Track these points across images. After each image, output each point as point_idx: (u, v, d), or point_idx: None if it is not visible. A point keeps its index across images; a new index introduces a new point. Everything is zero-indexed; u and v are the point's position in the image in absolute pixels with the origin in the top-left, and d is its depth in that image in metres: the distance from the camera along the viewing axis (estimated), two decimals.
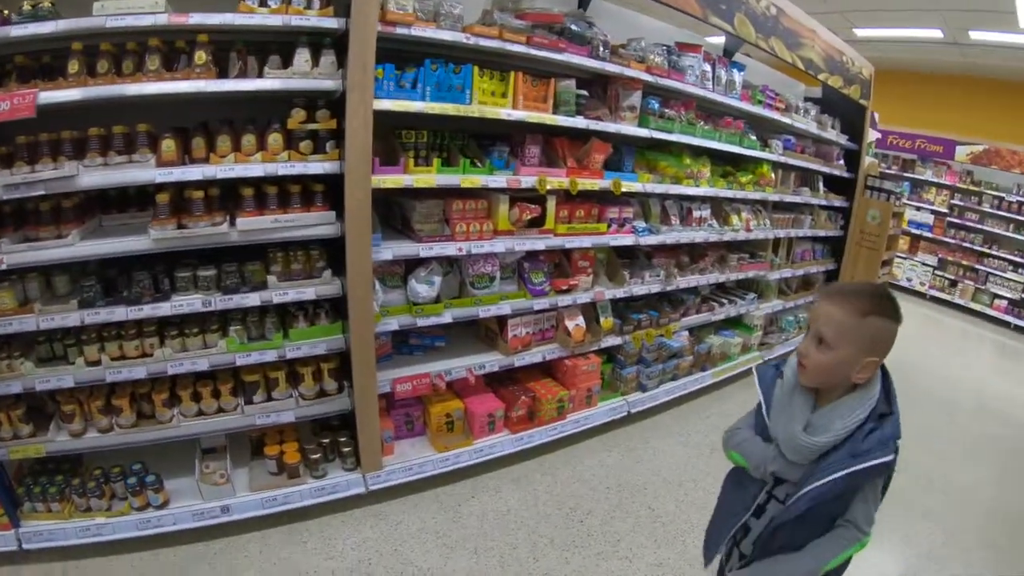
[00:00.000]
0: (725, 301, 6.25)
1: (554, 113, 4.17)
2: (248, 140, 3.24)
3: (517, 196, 4.22)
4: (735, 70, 5.51)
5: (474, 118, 3.82)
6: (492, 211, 4.16)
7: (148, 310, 3.16)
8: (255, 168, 3.22)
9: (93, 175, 3.00)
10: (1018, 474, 5.61)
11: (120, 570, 3.27)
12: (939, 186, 13.01)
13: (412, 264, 3.99)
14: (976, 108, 12.67)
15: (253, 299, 3.34)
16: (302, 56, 3.24)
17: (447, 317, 4.03)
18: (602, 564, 3.67)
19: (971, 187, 12.49)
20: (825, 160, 7.45)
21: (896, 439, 1.82)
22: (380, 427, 3.89)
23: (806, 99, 7.70)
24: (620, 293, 4.95)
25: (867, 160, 8.25)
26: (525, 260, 4.50)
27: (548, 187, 4.21)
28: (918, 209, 13.20)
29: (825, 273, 8.20)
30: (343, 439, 3.83)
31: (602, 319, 4.96)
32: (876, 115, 8.76)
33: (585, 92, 4.40)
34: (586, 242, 4.57)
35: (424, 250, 3.81)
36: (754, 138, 5.88)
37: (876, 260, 8.09)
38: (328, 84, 3.26)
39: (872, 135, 8.46)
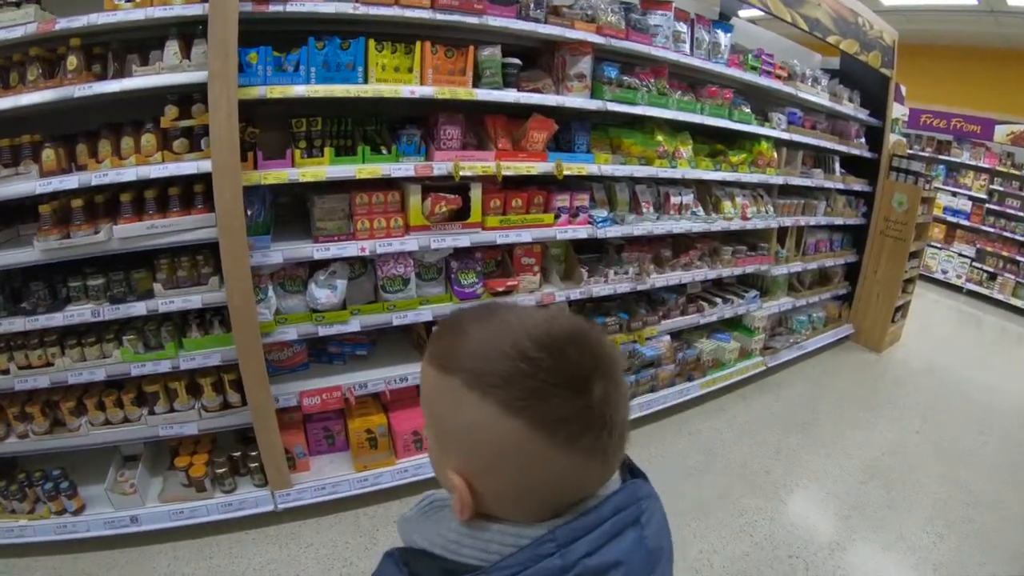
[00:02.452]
0: (719, 300, 5.43)
1: (475, 87, 3.55)
2: (127, 143, 3.09)
3: (437, 186, 3.61)
4: (720, 31, 4.67)
5: (387, 99, 3.39)
6: (405, 204, 3.59)
7: (43, 320, 3.15)
8: (128, 172, 3.03)
9: None
10: None
11: (42, 572, 3.33)
12: (977, 169, 11.86)
13: (315, 267, 3.55)
14: (1017, 84, 11.47)
15: (140, 308, 3.22)
16: (170, 49, 3.03)
17: (354, 325, 3.59)
18: None
19: (1012, 171, 11.31)
20: (842, 138, 6.57)
21: None
22: (287, 442, 3.64)
23: (824, 70, 6.82)
24: (576, 294, 4.22)
25: (892, 138, 7.31)
26: (454, 259, 3.88)
27: (468, 173, 3.59)
28: (954, 195, 12.07)
29: (845, 266, 7.38)
30: (253, 453, 3.60)
31: None
32: (903, 88, 7.79)
33: (517, 61, 3.72)
34: (525, 236, 3.89)
35: (319, 251, 3.40)
36: (748, 110, 5.03)
37: (903, 252, 7.18)
38: (198, 76, 2.95)
39: (898, 110, 7.52)
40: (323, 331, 3.54)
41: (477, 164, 3.62)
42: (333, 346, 3.97)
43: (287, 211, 3.86)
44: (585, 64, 3.91)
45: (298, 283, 3.57)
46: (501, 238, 3.81)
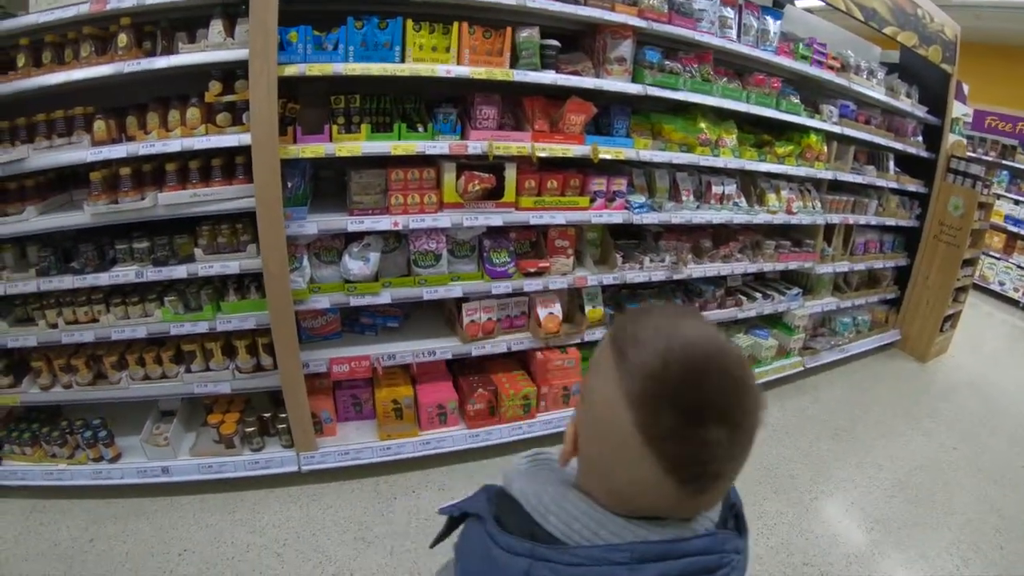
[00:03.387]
0: (759, 295, 5.30)
1: (512, 67, 3.54)
2: (173, 116, 3.25)
3: (472, 165, 3.65)
4: (769, 17, 4.54)
5: (426, 78, 3.42)
6: (440, 182, 3.63)
7: (90, 279, 3.34)
8: (173, 143, 3.19)
9: (40, 157, 3.20)
10: None
11: (77, 512, 3.57)
12: None
13: (351, 239, 3.64)
14: None
15: (180, 271, 3.39)
16: (215, 28, 3.15)
17: (385, 297, 3.66)
18: None
19: None
20: (897, 135, 6.36)
21: None
22: (316, 407, 3.79)
23: (882, 64, 6.61)
24: (609, 279, 4.17)
25: (951, 138, 7.05)
26: (487, 238, 3.89)
27: (504, 152, 3.59)
28: (1017, 203, 11.47)
29: (895, 269, 7.15)
30: (282, 415, 3.74)
31: (588, 308, 4.20)
32: (965, 86, 7.52)
33: (556, 43, 3.68)
34: (559, 218, 3.87)
35: (353, 223, 3.49)
36: (797, 101, 4.88)
37: (956, 258, 6.93)
38: (240, 53, 3.07)
39: (959, 109, 7.25)
40: (354, 301, 3.62)
41: (512, 144, 3.62)
42: (366, 317, 4.05)
43: (329, 185, 3.95)
44: (626, 47, 3.84)
45: (333, 254, 3.65)
46: (535, 219, 3.80)
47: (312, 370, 3.67)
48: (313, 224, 3.40)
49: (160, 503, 3.64)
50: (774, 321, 5.76)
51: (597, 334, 4.26)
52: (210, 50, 3.13)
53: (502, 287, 3.87)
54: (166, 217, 3.30)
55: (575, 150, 3.78)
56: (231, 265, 3.40)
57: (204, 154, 3.27)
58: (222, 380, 3.64)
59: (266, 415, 3.81)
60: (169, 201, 3.24)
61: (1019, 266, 11.35)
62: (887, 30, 5.49)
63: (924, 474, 4.68)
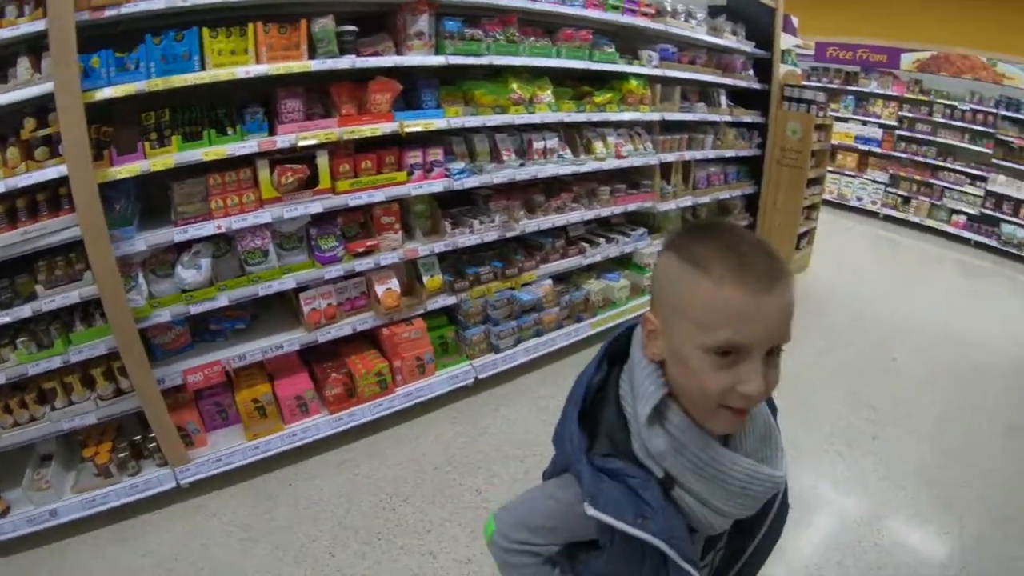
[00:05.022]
0: (602, 240, 5.53)
1: (311, 58, 3.63)
2: None
3: (287, 158, 3.73)
4: None
5: (230, 82, 3.45)
6: (257, 180, 3.70)
7: None
8: None
9: None
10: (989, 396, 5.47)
11: None
12: (886, 98, 12.22)
13: (182, 249, 3.68)
14: (921, 12, 11.81)
15: (26, 311, 3.31)
16: (22, 65, 3.10)
17: (223, 300, 3.70)
18: (401, 559, 3.37)
19: (920, 97, 11.71)
20: (727, 71, 6.67)
21: None
22: (181, 420, 3.78)
23: (710, 6, 6.92)
24: (441, 247, 4.33)
25: (783, 69, 7.44)
26: (313, 226, 3.98)
27: (313, 142, 3.71)
28: (864, 124, 12.43)
29: (744, 197, 7.54)
30: (152, 435, 3.72)
31: (426, 278, 4.34)
32: (794, 19, 7.93)
33: (353, 28, 3.76)
34: (378, 196, 3.99)
35: (179, 234, 3.52)
36: (612, 50, 5.09)
37: (800, 180, 7.36)
38: (48, 87, 3.03)
39: (789, 41, 7.66)
40: (194, 309, 3.62)
41: (320, 132, 3.71)
42: (214, 324, 4.05)
43: (162, 200, 3.89)
44: (423, 22, 3.95)
45: (168, 267, 3.67)
46: (353, 200, 3.90)
47: (169, 384, 3.67)
48: (142, 241, 3.40)
49: (56, 548, 3.53)
50: (625, 263, 6.02)
51: (440, 302, 4.44)
52: (20, 88, 3.09)
53: (334, 271, 3.97)
54: (3, 259, 3.24)
55: (383, 128, 3.88)
56: (71, 295, 3.35)
57: (30, 191, 3.22)
58: (86, 412, 3.55)
59: (137, 438, 3.78)
60: (2, 243, 3.18)
61: (874, 181, 12.31)
62: None
63: (794, 382, 4.99)
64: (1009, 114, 10.65)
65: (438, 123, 4.09)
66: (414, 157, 4.09)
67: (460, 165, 4.29)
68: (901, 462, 4.37)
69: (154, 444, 3.70)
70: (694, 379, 1.08)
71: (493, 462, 4.06)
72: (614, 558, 1.25)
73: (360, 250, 4.01)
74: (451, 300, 4.49)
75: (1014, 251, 10.60)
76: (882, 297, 7.72)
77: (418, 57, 3.95)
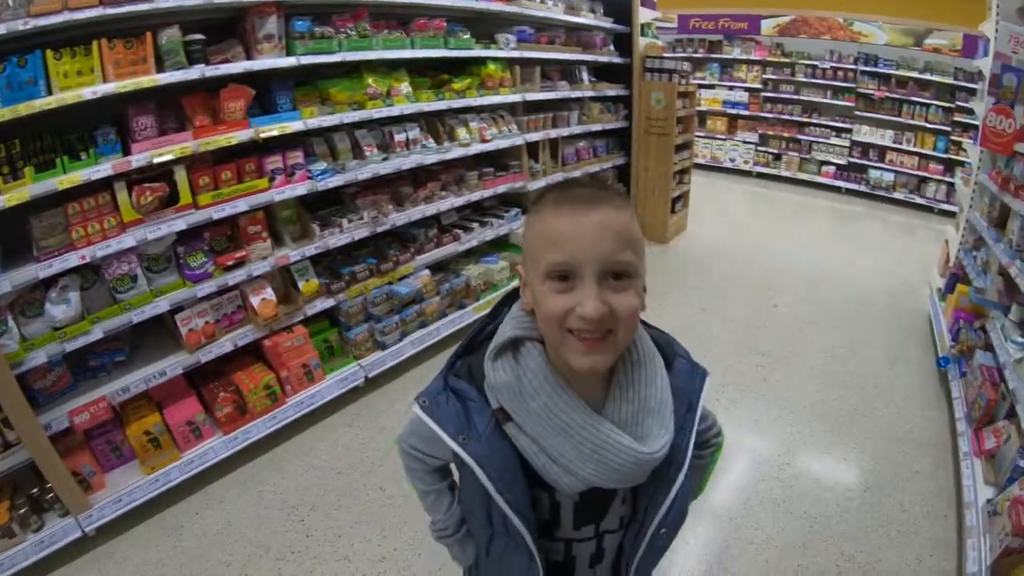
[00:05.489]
0: (476, 225, 5.68)
1: (160, 71, 3.55)
2: None
3: (146, 177, 3.66)
4: None
5: (80, 104, 3.30)
6: (117, 203, 3.59)
7: None
8: None
9: None
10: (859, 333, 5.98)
11: None
12: (749, 63, 13.15)
13: (49, 286, 3.52)
14: None
15: None
16: None
17: (97, 333, 3.57)
18: (317, 569, 3.36)
19: (782, 59, 12.70)
20: (586, 48, 6.92)
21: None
22: (75, 464, 3.59)
23: None
24: (312, 250, 4.34)
25: (643, 41, 7.80)
26: (180, 244, 3.91)
27: (168, 157, 3.62)
28: (731, 89, 13.37)
29: (615, 168, 7.88)
30: (48, 485, 3.53)
31: (301, 284, 4.35)
32: None
33: (201, 36, 3.71)
34: (241, 205, 3.96)
35: (43, 269, 3.32)
36: (467, 36, 5.22)
37: (668, 146, 7.81)
38: None
39: (648, 15, 8.01)
40: (69, 346, 3.49)
41: (175, 147, 3.64)
42: (93, 359, 3.90)
43: (23, 236, 3.69)
44: (272, 24, 3.94)
45: (37, 306, 3.51)
46: (217, 213, 3.86)
47: (57, 429, 3.50)
48: (6, 281, 3.23)
49: None
50: (502, 245, 6.19)
51: (318, 306, 4.46)
52: None
53: (207, 288, 3.92)
54: None
55: (240, 136, 3.86)
56: None
57: None
58: None
59: (35, 491, 3.58)
60: None
61: (744, 141, 13.26)
62: None
63: (685, 335, 5.30)
64: (867, 69, 11.69)
65: (295, 125, 4.10)
66: (274, 162, 4.10)
67: (322, 165, 4.32)
68: (794, 400, 4.75)
69: (52, 494, 3.55)
70: (542, 310, 1.16)
71: (394, 459, 4.09)
72: (463, 485, 1.40)
73: (230, 263, 3.99)
74: (330, 302, 4.52)
75: (883, 194, 11.77)
76: (761, 249, 8.29)
77: (269, 60, 3.95)
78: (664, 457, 1.25)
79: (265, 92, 4.10)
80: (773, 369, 5.17)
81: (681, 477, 1.31)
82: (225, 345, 4.06)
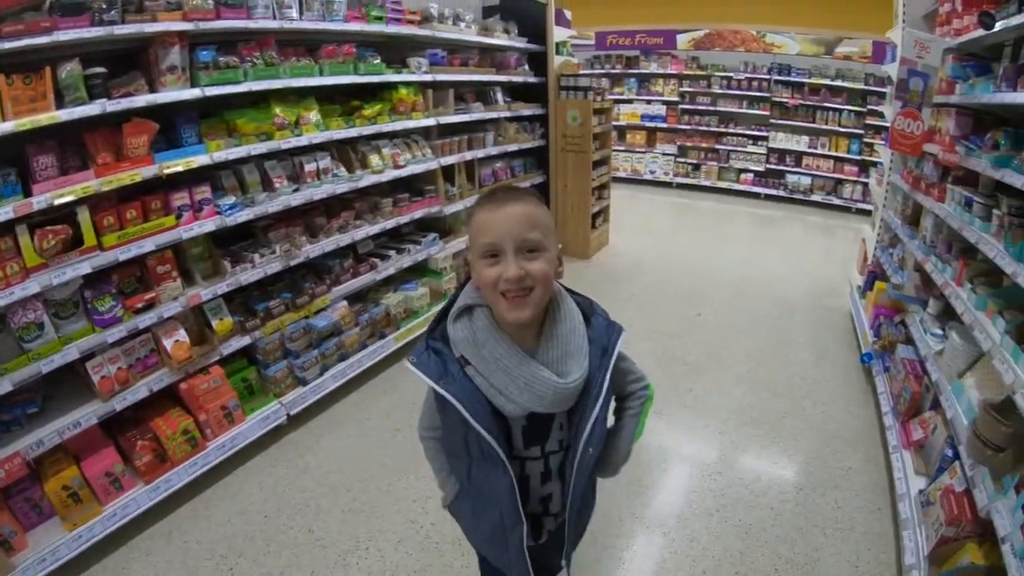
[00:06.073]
0: (393, 252, 5.71)
1: (60, 107, 3.46)
2: None
3: (49, 219, 3.54)
4: None
5: None
6: (19, 248, 3.47)
7: None
8: None
9: None
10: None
11: None
12: (666, 77, 13.67)
13: None
14: None
15: None
16: None
17: (6, 385, 3.41)
18: None
19: (698, 72, 13.27)
20: (501, 69, 7.02)
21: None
22: None
23: (484, 7, 7.38)
24: (223, 288, 4.29)
25: (558, 60, 7.98)
26: (87, 288, 3.80)
27: (71, 198, 3.53)
28: (649, 103, 13.86)
29: (534, 187, 7.90)
30: None
31: (215, 323, 4.30)
32: (568, 12, 8.48)
33: (102, 70, 3.64)
34: (148, 245, 3.89)
35: None
36: (378, 61, 5.26)
37: (586, 163, 8.01)
38: None
39: (563, 33, 8.18)
40: None
41: (77, 187, 3.56)
42: (5, 413, 3.74)
43: None
44: (175, 55, 3.89)
45: None
46: (123, 254, 3.78)
47: None
48: None
49: None
50: (421, 271, 6.22)
51: (234, 345, 4.40)
52: None
53: (117, 332, 3.82)
54: None
55: (144, 173, 3.79)
56: None
57: None
58: None
59: None
60: None
61: (664, 153, 13.75)
62: None
63: None
64: (781, 78, 12.43)
65: (201, 159, 4.06)
66: (181, 198, 4.04)
67: (231, 200, 4.28)
68: (722, 407, 4.90)
69: None
70: (481, 279, 1.65)
71: (321, 497, 4.09)
72: (446, 426, 1.86)
73: (140, 305, 3.91)
74: (246, 340, 4.47)
75: (801, 197, 12.49)
76: (684, 258, 8.57)
77: (172, 93, 3.90)
78: (580, 387, 1.72)
79: (170, 126, 4.05)
80: (698, 379, 5.32)
81: (598, 405, 1.75)
82: (140, 391, 3.96)
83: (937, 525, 3.02)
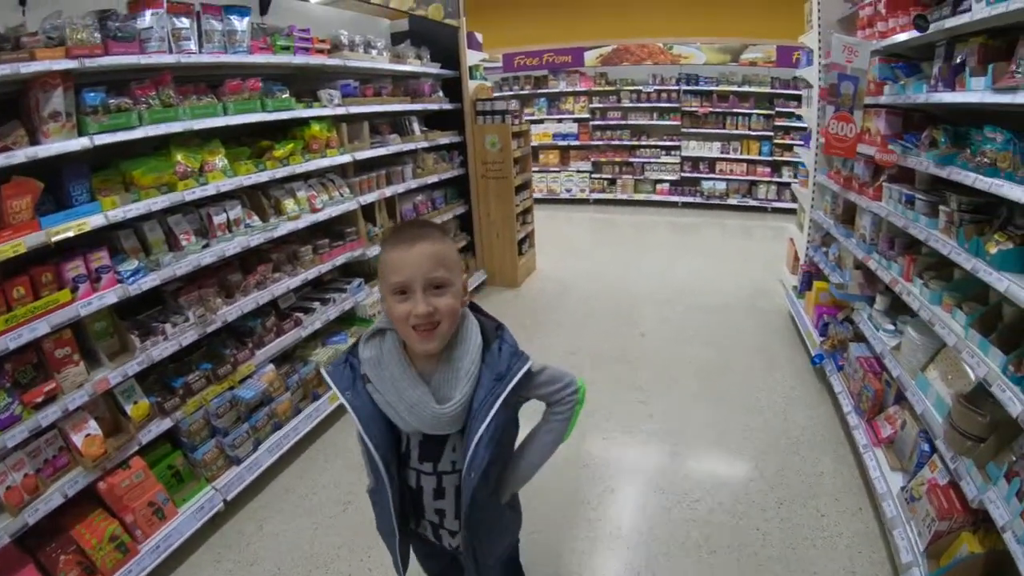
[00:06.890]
0: (317, 304, 5.26)
1: None
2: None
3: None
4: (234, 17, 4.37)
5: None
6: None
7: None
8: None
9: None
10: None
11: None
12: (576, 94, 13.94)
13: None
14: (599, 12, 13.75)
15: None
16: None
17: None
18: None
19: (607, 88, 13.59)
20: (416, 96, 6.72)
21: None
22: None
23: (393, 34, 7.13)
24: (135, 367, 3.75)
25: (472, 84, 7.78)
26: None
27: None
28: (560, 121, 14.08)
29: (458, 218, 7.79)
30: None
31: (129, 408, 3.77)
32: (478, 35, 8.35)
33: None
34: (42, 327, 3.32)
35: None
36: (286, 96, 4.82)
37: (508, 189, 7.84)
38: None
39: (476, 56, 8.05)
40: None
41: None
42: None
43: None
44: (58, 99, 3.38)
45: None
46: (13, 341, 3.21)
47: None
48: None
49: None
50: (349, 320, 5.82)
51: (153, 430, 3.86)
52: None
53: (17, 434, 3.23)
54: None
55: (29, 241, 3.24)
56: None
57: None
58: None
59: None
60: None
61: (578, 171, 14.05)
62: None
63: None
64: (689, 88, 12.92)
65: (95, 220, 3.54)
66: (75, 268, 3.51)
67: (133, 264, 3.76)
68: (684, 431, 4.75)
69: None
70: (392, 314, 1.78)
71: None
72: (358, 438, 1.98)
73: (40, 399, 3.35)
74: (167, 423, 3.93)
75: (717, 202, 13.03)
76: (614, 276, 8.51)
77: (56, 144, 3.36)
78: (457, 413, 1.81)
79: (57, 183, 3.52)
80: (656, 403, 5.14)
81: (481, 430, 1.80)
82: (54, 498, 3.38)
83: (928, 521, 3.05)
